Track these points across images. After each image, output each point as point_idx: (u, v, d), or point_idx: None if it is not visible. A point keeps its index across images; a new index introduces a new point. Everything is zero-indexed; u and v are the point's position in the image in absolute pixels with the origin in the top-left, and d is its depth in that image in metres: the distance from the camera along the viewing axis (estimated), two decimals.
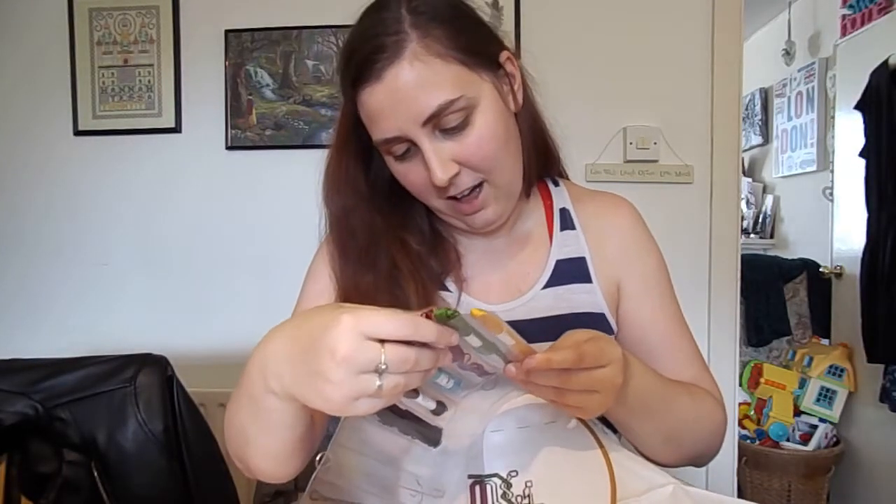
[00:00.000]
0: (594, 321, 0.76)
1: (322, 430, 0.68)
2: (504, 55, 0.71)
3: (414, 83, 0.62)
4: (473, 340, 0.51)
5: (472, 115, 0.65)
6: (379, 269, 0.73)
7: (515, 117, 0.72)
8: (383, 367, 0.43)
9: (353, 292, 0.73)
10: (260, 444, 0.58)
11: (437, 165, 0.64)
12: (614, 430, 0.71)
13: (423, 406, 0.56)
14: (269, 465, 0.60)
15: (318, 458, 0.65)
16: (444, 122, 0.64)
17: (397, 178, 0.71)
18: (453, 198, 0.69)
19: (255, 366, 0.53)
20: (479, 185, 0.68)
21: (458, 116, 0.64)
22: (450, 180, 0.66)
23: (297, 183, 1.69)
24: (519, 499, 0.60)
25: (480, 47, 0.68)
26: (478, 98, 0.66)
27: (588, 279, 0.77)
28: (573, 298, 0.76)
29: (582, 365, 0.55)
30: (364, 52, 0.63)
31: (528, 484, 0.60)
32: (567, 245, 0.79)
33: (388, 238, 0.74)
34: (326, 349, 0.44)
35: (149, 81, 1.76)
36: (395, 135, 0.65)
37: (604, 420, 0.69)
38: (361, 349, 0.43)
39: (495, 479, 0.61)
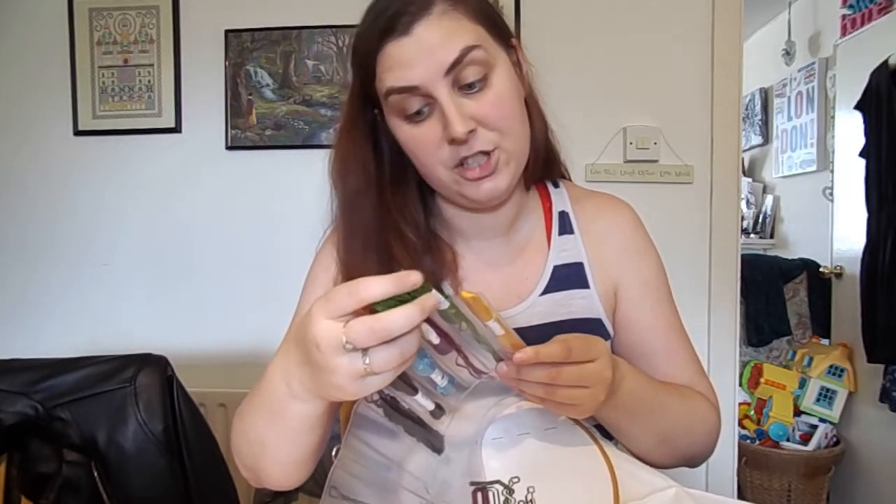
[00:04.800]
0: (591, 327, 0.76)
1: (328, 436, 0.68)
2: (513, 41, 0.73)
3: (440, 36, 0.63)
4: (459, 320, 0.51)
5: (491, 76, 0.66)
6: (380, 256, 0.73)
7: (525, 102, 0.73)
8: (348, 346, 0.44)
9: (356, 275, 0.73)
10: (280, 450, 0.59)
11: (455, 118, 0.64)
12: (609, 437, 0.71)
13: (422, 405, 0.56)
14: (284, 471, 0.62)
15: (333, 452, 0.66)
16: (464, 77, 0.64)
17: (404, 145, 0.70)
18: (460, 166, 0.68)
19: (277, 375, 0.54)
20: (492, 151, 0.68)
21: (478, 71, 0.65)
22: (466, 136, 0.65)
23: (297, 183, 1.70)
24: None
25: (499, 22, 0.70)
26: (496, 59, 0.67)
27: (585, 284, 0.77)
28: (571, 304, 0.76)
29: (570, 358, 0.55)
30: (393, 9, 0.64)
31: (531, 490, 0.60)
32: (565, 250, 0.78)
33: (389, 229, 0.74)
34: (311, 343, 0.46)
35: (149, 81, 1.76)
36: (415, 84, 0.64)
37: (598, 426, 0.69)
38: (329, 332, 0.45)
39: (497, 486, 0.61)
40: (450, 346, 0.55)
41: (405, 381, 0.56)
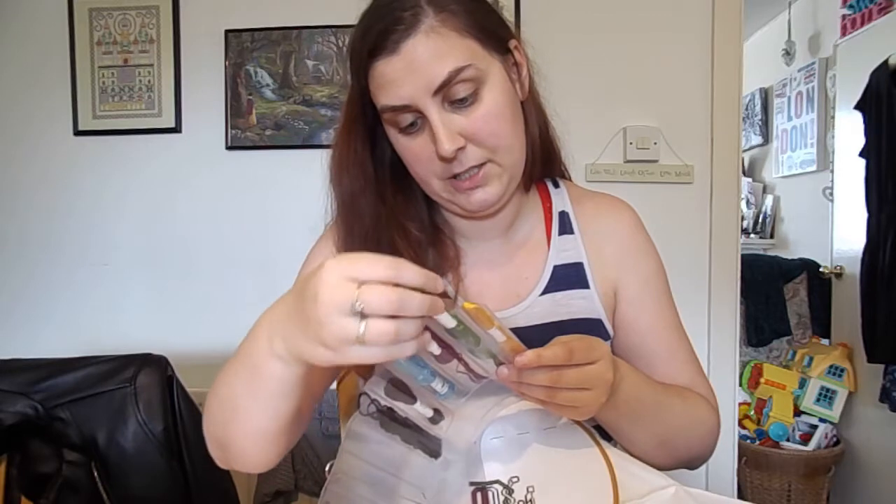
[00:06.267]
0: (591, 327, 0.76)
1: (307, 421, 0.68)
2: (513, 42, 0.72)
3: (429, 54, 0.63)
4: (465, 336, 0.51)
5: (481, 91, 0.66)
6: (382, 253, 0.73)
7: (522, 106, 0.73)
8: (360, 305, 0.43)
9: None
10: (251, 416, 0.57)
11: (444, 136, 0.64)
12: (607, 438, 0.71)
13: (420, 413, 0.56)
14: (252, 444, 0.60)
15: (327, 468, 0.65)
16: (454, 93, 0.64)
17: (400, 155, 0.71)
18: (454, 178, 0.68)
19: (262, 330, 0.53)
20: (483, 164, 0.68)
21: (468, 87, 0.64)
22: (455, 153, 0.65)
23: (297, 183, 1.70)
24: None
25: (493, 28, 0.69)
26: (487, 73, 0.66)
27: (586, 285, 0.77)
28: (571, 304, 0.76)
29: (572, 361, 0.55)
30: (381, 25, 0.64)
31: (530, 489, 0.60)
32: (565, 250, 0.78)
33: (392, 225, 0.74)
34: (312, 294, 0.45)
35: (149, 81, 1.76)
36: (405, 103, 0.65)
37: (597, 427, 0.69)
38: (338, 289, 0.44)
39: (497, 486, 0.61)
40: (451, 356, 0.55)
41: (404, 391, 0.56)
